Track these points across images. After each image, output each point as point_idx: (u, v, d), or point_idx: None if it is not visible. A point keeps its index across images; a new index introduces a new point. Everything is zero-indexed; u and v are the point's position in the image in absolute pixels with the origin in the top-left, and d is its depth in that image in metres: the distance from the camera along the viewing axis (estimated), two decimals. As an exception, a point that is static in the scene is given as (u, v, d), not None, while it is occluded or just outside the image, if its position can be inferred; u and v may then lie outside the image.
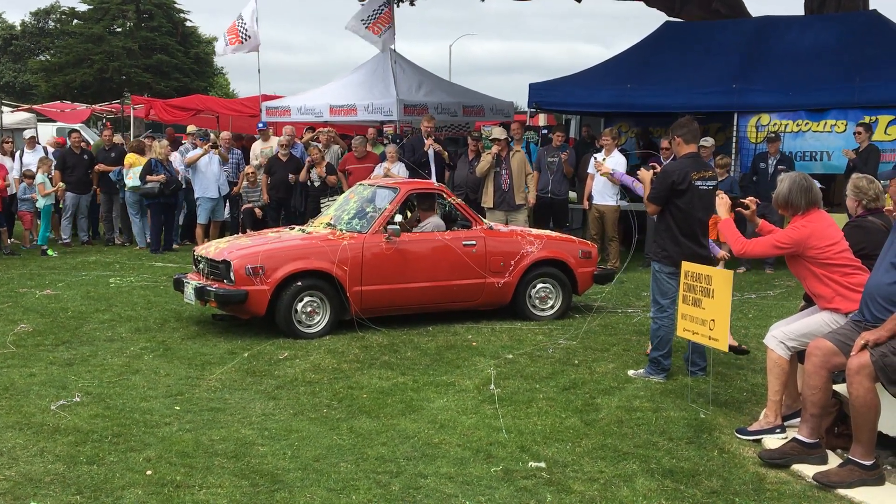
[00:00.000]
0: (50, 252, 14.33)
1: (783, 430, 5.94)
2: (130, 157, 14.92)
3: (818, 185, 6.20)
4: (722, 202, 6.43)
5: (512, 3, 22.87)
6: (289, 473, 5.26)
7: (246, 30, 17.64)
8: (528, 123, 18.23)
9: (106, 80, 44.19)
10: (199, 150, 14.89)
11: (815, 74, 13.90)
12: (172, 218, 15.23)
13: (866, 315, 5.36)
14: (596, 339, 8.81)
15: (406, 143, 14.83)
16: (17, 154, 15.93)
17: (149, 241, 14.89)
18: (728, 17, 18.26)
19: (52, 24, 54.98)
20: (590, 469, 5.40)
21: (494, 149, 12.43)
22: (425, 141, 13.81)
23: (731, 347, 7.42)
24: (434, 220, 9.78)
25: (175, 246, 15.14)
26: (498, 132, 12.84)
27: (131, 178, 14.75)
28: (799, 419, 5.71)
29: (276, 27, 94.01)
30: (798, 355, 5.90)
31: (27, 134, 17.54)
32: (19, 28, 55.95)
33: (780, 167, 13.04)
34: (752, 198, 6.65)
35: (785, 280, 12.06)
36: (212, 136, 16.13)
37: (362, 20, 16.96)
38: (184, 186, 15.13)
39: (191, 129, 16.76)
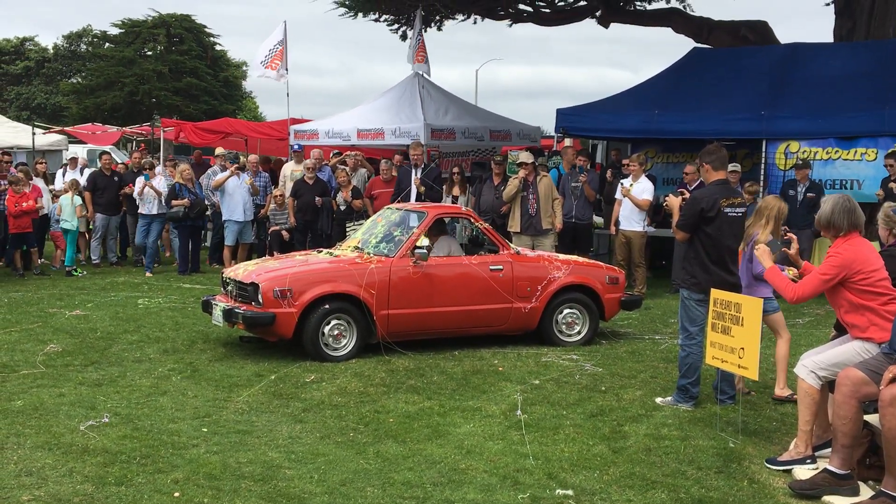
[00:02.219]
0: (77, 272, 14.48)
1: (814, 460, 5.87)
2: None
3: None
4: (763, 252, 6.31)
5: (539, 28, 22.95)
6: (315, 497, 5.26)
7: (274, 55, 17.82)
8: (554, 149, 18.23)
9: (136, 103, 44.66)
10: (226, 173, 15.01)
11: (844, 102, 13.81)
12: (199, 240, 15.37)
13: None
14: (623, 366, 8.76)
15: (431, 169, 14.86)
16: (60, 172, 16.22)
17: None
18: (756, 44, 18.25)
19: (84, 47, 55.78)
20: (618, 497, 5.36)
21: (521, 173, 12.44)
22: (413, 173, 13.65)
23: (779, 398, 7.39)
24: (443, 242, 9.76)
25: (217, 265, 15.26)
26: (525, 156, 12.83)
27: None
28: (830, 449, 5.64)
29: (304, 51, 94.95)
30: (829, 385, 5.84)
31: (69, 155, 17.93)
32: (52, 51, 56.81)
33: (809, 194, 12.97)
34: (792, 235, 6.56)
35: (814, 308, 11.96)
36: (241, 158, 16.26)
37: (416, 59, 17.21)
38: (209, 211, 15.30)
39: (219, 151, 16.93)
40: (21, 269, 14.18)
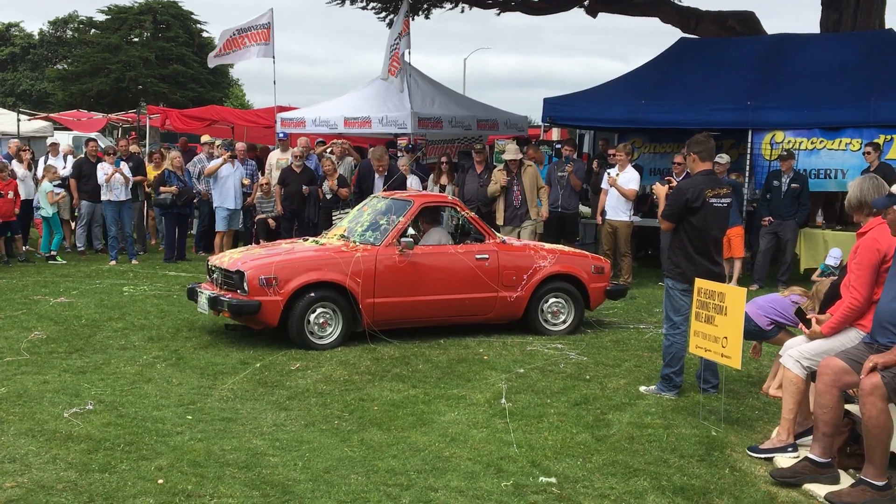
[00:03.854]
0: (59, 258, 14.42)
1: (795, 448, 5.91)
2: None
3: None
4: (813, 333, 5.97)
5: (528, 17, 22.90)
6: (299, 485, 5.27)
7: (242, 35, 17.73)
8: (541, 138, 18.26)
9: (122, 90, 44.45)
10: (219, 160, 14.94)
11: (830, 92, 13.86)
12: (185, 228, 15.31)
13: (879, 339, 5.33)
14: (607, 355, 8.80)
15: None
16: (42, 160, 16.11)
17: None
18: (743, 35, 18.28)
19: (70, 33, 55.47)
20: (600, 485, 5.39)
21: (502, 178, 12.40)
22: (376, 172, 13.29)
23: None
24: (435, 232, 9.79)
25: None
26: (511, 152, 12.80)
27: None
28: (811, 437, 5.69)
29: (295, 39, 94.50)
30: (812, 374, 5.87)
31: (50, 141, 17.80)
32: (37, 37, 56.44)
33: (793, 185, 13.03)
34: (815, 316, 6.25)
35: (798, 298, 12.00)
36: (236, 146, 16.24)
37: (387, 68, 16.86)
38: (196, 198, 15.25)
39: (205, 138, 16.86)
40: (5, 255, 14.12)
